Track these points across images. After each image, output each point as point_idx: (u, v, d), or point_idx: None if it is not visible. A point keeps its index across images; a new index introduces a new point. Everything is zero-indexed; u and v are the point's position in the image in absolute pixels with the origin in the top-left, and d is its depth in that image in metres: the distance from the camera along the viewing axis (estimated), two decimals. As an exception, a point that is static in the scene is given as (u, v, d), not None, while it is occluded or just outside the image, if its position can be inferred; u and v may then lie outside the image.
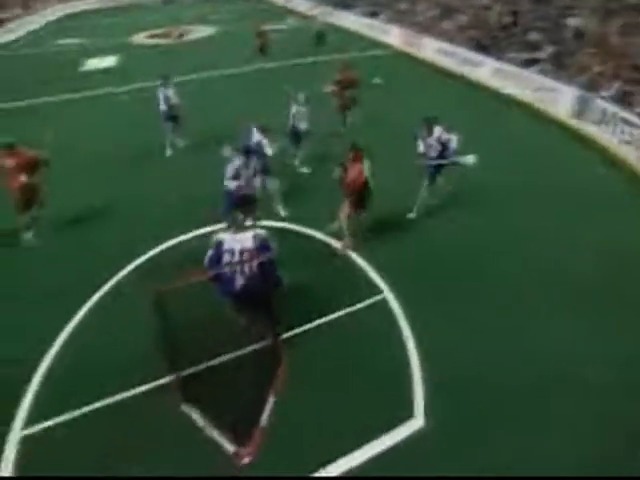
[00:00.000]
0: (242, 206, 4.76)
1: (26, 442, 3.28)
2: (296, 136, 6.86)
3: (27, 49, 19.16)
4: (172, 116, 7.73)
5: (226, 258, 3.61)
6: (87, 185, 6.94)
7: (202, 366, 3.75)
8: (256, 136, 5.57)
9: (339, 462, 3.08)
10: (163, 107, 7.58)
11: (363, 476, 3.03)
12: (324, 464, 3.07)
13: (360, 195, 4.90)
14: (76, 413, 3.46)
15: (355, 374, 3.73)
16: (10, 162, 4.87)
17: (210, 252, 3.69)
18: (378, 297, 4.49)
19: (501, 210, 6.00)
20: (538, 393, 3.54)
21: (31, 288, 4.79)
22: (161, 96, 7.59)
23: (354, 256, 5.14)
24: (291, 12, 24.49)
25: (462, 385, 3.58)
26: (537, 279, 4.73)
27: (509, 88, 10.69)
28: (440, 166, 5.58)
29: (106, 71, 14.82)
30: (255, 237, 3.68)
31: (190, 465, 3.13)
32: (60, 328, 4.23)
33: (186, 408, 3.49)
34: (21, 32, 22.36)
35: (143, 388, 3.66)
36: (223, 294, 3.73)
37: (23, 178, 4.92)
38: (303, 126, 6.74)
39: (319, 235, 5.53)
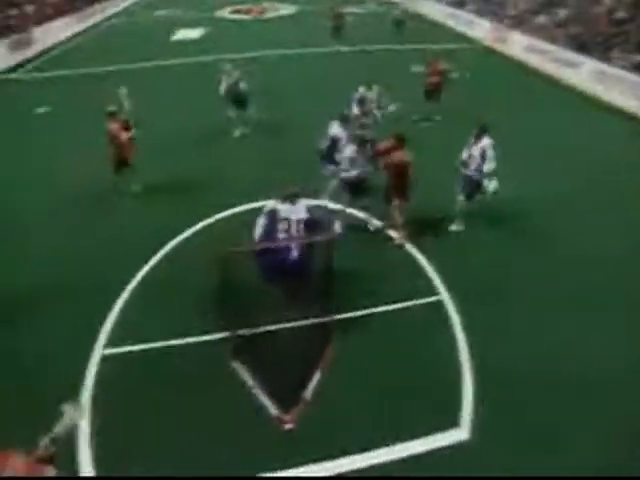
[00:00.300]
0: (358, 190, 5.02)
1: (105, 360, 3.76)
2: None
3: (129, 18, 20.73)
4: (237, 101, 7.56)
5: (281, 227, 3.67)
6: (175, 147, 7.51)
7: (255, 330, 3.87)
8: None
9: (368, 454, 3.01)
10: (225, 89, 7.38)
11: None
12: (351, 452, 3.02)
13: (401, 181, 4.78)
14: (144, 346, 3.85)
15: (402, 369, 3.64)
16: (113, 126, 5.76)
17: (262, 220, 3.74)
18: (434, 298, 4.31)
19: (582, 224, 5.53)
20: (601, 412, 3.23)
21: (123, 233, 5.38)
22: (225, 80, 7.38)
23: (413, 250, 5.00)
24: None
25: (515, 402, 3.36)
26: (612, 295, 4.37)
27: (610, 94, 9.62)
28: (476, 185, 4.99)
29: (194, 42, 15.68)
30: (308, 209, 3.76)
31: (233, 419, 3.28)
32: (139, 267, 4.73)
33: (236, 365, 3.67)
34: (126, 3, 24.38)
35: (204, 338, 3.90)
36: (272, 265, 3.71)
37: (125, 136, 5.81)
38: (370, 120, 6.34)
39: (377, 222, 5.42)
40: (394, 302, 4.24)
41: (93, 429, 3.22)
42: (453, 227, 5.38)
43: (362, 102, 6.47)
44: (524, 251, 5.07)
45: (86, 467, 3.00)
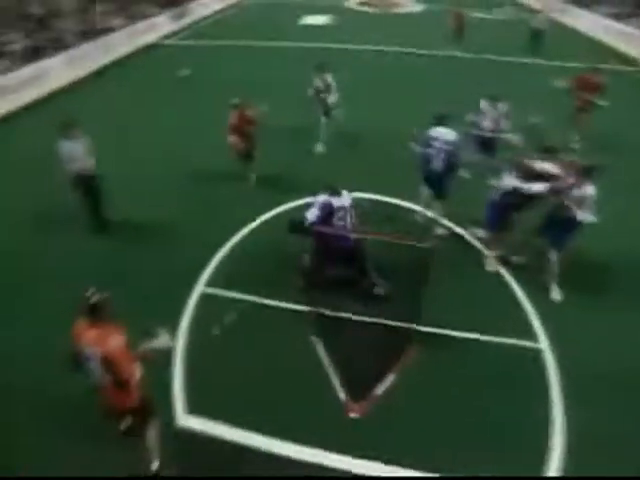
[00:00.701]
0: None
1: (202, 297, 4.39)
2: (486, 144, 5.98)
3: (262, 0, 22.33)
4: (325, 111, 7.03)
5: (340, 214, 3.97)
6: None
7: (339, 313, 4.04)
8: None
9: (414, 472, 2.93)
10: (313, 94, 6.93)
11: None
12: (401, 463, 2.98)
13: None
14: (234, 294, 4.37)
15: (482, 405, 3.38)
16: (234, 118, 5.79)
17: (315, 212, 3.95)
18: (534, 344, 3.91)
19: None
20: None
21: (233, 202, 5.92)
22: (315, 84, 6.91)
23: (515, 285, 4.54)
24: (515, 1, 22.16)
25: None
26: None
27: None
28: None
29: (319, 28, 16.35)
30: (351, 198, 4.13)
31: (302, 389, 3.47)
32: (234, 231, 5.28)
33: (315, 340, 3.86)
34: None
35: (289, 305, 4.20)
36: (335, 248, 3.98)
37: (247, 128, 5.85)
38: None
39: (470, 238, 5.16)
40: (483, 332, 3.97)
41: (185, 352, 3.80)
42: None
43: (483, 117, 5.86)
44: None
45: (177, 384, 3.52)
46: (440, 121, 4.92)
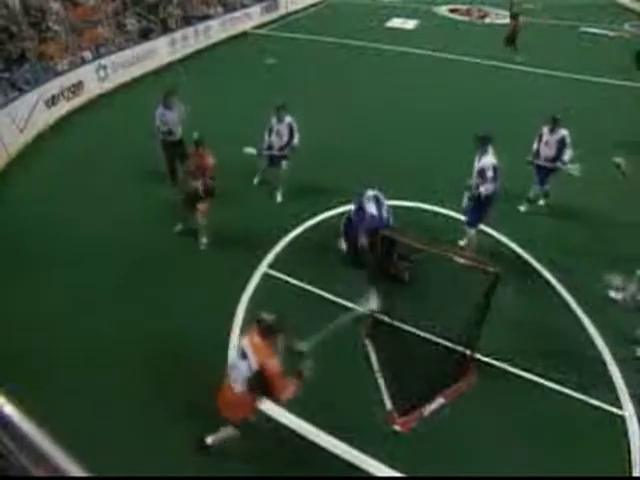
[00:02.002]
0: None
1: (264, 277, 4.76)
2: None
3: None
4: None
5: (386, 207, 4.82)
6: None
7: (396, 322, 4.06)
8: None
9: None
10: None
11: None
12: None
13: None
14: (292, 280, 4.69)
15: (530, 456, 3.17)
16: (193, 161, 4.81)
17: (373, 206, 4.67)
18: (615, 410, 3.47)
19: None
20: None
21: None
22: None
23: (593, 330, 4.16)
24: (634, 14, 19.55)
25: None
26: None
27: None
28: None
29: (406, 32, 16.22)
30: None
31: (348, 389, 3.58)
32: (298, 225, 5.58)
33: (368, 344, 3.96)
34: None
35: (344, 302, 4.35)
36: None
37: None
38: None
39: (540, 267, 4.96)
40: (550, 379, 3.68)
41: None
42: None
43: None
44: None
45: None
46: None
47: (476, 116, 8.38)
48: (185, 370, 3.68)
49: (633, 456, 3.19)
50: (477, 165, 4.57)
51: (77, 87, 8.73)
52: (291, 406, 3.34)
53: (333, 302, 4.41)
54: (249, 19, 15.66)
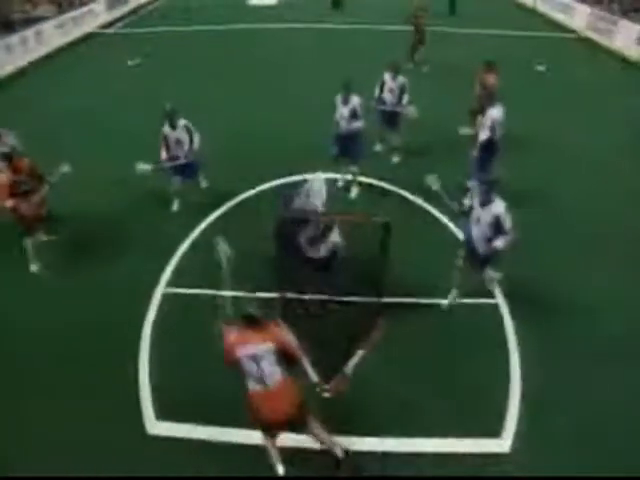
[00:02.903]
0: None
1: (164, 298, 4.18)
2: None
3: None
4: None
5: None
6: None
7: (304, 296, 3.96)
8: None
9: (395, 441, 2.97)
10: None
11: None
12: (379, 434, 3.01)
13: None
14: (197, 291, 4.17)
15: (448, 367, 3.52)
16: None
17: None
18: (490, 300, 4.10)
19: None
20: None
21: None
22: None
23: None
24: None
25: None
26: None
27: None
28: None
29: (269, 8, 15.84)
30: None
31: None
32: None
33: (282, 325, 3.69)
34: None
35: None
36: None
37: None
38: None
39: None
40: (446, 297, 4.03)
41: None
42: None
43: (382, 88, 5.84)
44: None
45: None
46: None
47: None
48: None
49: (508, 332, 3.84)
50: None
51: None
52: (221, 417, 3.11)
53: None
54: (94, 18, 13.86)
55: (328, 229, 3.96)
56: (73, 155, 4.95)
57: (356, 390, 3.32)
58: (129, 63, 10.30)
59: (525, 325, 3.87)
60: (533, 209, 5.14)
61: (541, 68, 9.83)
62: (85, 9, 13.55)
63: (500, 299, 4.13)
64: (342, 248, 4.02)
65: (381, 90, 5.84)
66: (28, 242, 4.41)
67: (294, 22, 13.32)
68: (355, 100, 5.16)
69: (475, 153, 5.09)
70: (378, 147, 6.47)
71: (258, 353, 2.43)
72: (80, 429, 3.07)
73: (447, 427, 3.09)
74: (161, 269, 4.48)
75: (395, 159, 6.31)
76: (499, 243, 3.39)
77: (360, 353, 3.58)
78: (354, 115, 5.16)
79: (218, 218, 5.24)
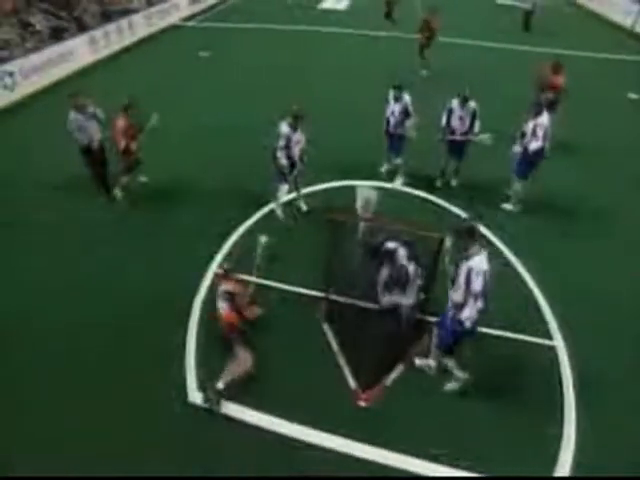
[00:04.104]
0: None
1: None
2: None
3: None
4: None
5: None
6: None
7: (351, 300, 4.01)
8: None
9: (421, 462, 2.99)
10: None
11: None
12: (407, 452, 3.04)
13: None
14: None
15: (494, 398, 3.44)
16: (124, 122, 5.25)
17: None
18: (547, 341, 3.91)
19: None
20: None
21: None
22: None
23: (526, 275, 4.53)
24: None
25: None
26: None
27: None
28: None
29: (338, 12, 16.17)
30: None
31: (312, 374, 3.55)
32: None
33: (326, 328, 3.92)
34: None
35: (302, 290, 4.27)
36: None
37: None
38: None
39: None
40: (502, 328, 3.91)
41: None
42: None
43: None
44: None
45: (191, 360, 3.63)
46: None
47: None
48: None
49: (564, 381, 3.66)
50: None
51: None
52: (261, 403, 3.35)
53: (304, 294, 4.24)
54: (177, 11, 14.93)
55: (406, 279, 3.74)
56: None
57: (410, 410, 3.34)
58: (200, 54, 11.11)
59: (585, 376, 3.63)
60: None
61: (634, 96, 9.24)
62: (170, 3, 14.65)
63: (557, 340, 3.92)
64: (409, 312, 3.83)
65: (448, 118, 5.46)
66: (125, 179, 5.62)
67: (355, 28, 13.55)
68: (406, 98, 5.50)
69: (519, 158, 5.29)
70: (384, 167, 6.23)
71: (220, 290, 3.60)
72: (129, 389, 3.46)
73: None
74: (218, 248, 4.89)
75: (454, 182, 6.07)
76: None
77: (400, 367, 3.63)
78: (405, 112, 5.50)
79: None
